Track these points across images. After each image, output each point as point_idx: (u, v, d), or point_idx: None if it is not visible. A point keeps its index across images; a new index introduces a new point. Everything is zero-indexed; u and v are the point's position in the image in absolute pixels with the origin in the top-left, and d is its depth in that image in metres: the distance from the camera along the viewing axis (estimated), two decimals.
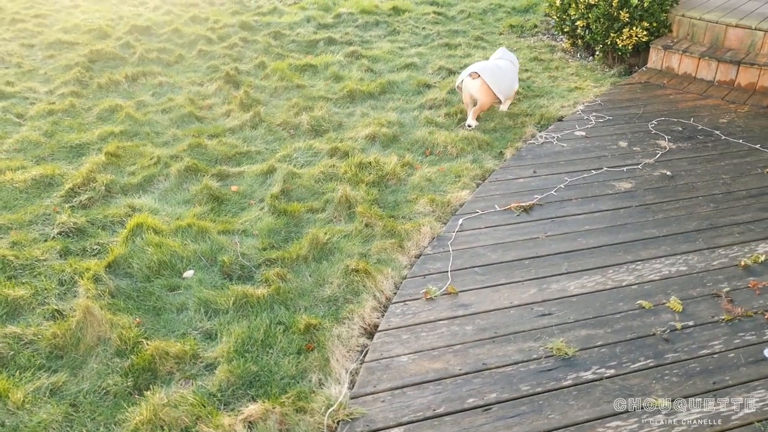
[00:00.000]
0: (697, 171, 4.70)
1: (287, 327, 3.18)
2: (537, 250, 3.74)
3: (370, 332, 3.19)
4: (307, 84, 6.61)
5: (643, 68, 7.06)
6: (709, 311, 3.23)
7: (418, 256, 3.73)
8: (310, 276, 3.57)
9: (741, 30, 6.62)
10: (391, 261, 3.67)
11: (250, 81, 6.63)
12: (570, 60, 7.62)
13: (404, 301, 3.33)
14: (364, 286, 3.45)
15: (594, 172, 4.68)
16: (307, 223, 4.10)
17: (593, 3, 7.21)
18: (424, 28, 8.86)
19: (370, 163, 4.71)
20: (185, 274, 3.61)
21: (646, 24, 6.94)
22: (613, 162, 4.84)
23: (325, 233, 3.88)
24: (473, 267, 3.59)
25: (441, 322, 3.18)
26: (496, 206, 4.21)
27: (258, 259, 3.71)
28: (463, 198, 4.32)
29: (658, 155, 4.93)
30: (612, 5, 6.98)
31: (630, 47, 7.08)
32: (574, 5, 7.54)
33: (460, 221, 4.03)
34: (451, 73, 6.89)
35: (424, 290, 3.39)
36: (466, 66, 7.03)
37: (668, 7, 7.05)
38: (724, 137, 5.27)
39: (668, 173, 4.65)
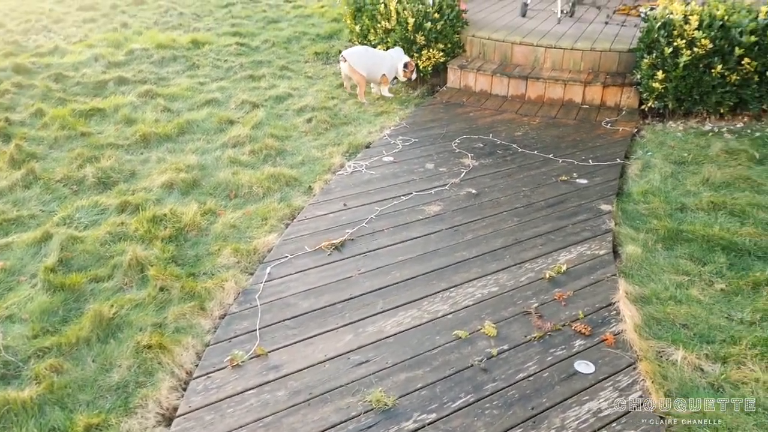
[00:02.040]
0: (499, 186, 4.83)
1: None
2: (351, 290, 3.54)
3: (170, 418, 2.76)
4: (94, 131, 5.93)
5: (444, 88, 7.29)
6: (522, 330, 3.22)
7: (222, 317, 3.36)
8: (93, 361, 3.05)
9: (525, 47, 7.07)
10: (191, 328, 3.26)
11: (24, 132, 5.81)
12: (374, 84, 7.66)
13: (207, 373, 2.94)
14: (159, 363, 3.00)
15: (403, 198, 4.62)
16: (90, 295, 3.54)
17: (390, 28, 7.33)
18: (226, 60, 8.48)
19: (165, 215, 4.25)
20: None
21: (441, 45, 7.17)
22: (421, 185, 4.82)
23: (112, 306, 3.37)
24: (283, 320, 3.29)
25: (249, 392, 2.84)
26: (306, 247, 3.96)
27: (27, 351, 3.11)
28: (271, 242, 4.02)
29: (463, 174, 5.01)
30: (408, 29, 7.13)
31: (430, 68, 7.28)
32: (372, 31, 7.62)
33: (268, 269, 3.72)
34: (255, 106, 6.59)
35: (229, 357, 3.03)
36: (270, 97, 6.79)
37: (459, 29, 7.36)
38: (520, 150, 5.51)
39: (473, 191, 4.73)
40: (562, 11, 8.13)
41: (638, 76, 6.47)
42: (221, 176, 4.93)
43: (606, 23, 8.02)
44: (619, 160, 5.30)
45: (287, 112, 6.49)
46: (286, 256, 3.86)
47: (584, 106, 6.66)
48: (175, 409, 2.78)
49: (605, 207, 4.50)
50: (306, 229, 4.17)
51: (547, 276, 3.65)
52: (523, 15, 8.37)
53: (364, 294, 3.51)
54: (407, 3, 7.14)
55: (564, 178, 4.94)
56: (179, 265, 3.80)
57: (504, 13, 8.58)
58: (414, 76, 7.05)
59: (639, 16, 8.46)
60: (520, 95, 6.86)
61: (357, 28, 7.84)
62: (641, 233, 4.20)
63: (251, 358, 3.03)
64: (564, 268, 3.72)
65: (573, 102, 6.70)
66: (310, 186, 4.85)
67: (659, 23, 6.13)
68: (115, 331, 3.23)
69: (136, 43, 8.91)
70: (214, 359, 3.03)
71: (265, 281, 3.61)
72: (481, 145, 5.63)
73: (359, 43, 8.06)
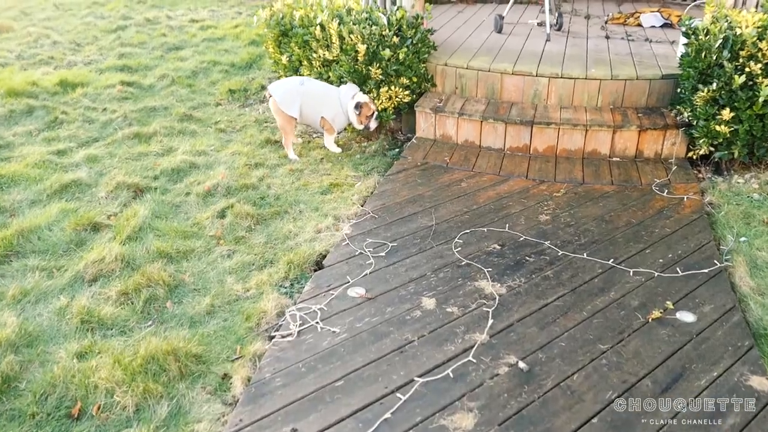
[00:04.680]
0: (559, 344, 2.78)
1: None
2: None
3: None
4: None
5: (413, 140, 5.22)
6: None
7: None
8: None
9: (520, 78, 5.10)
10: None
11: None
12: (315, 136, 5.54)
13: None
14: None
15: (401, 396, 2.49)
16: None
17: (332, 58, 5.21)
18: (105, 109, 6.14)
19: None
20: None
21: (405, 80, 5.11)
22: (425, 358, 2.72)
23: None
24: None
25: None
26: None
27: None
28: None
29: (490, 319, 2.94)
30: (357, 60, 5.04)
31: (391, 110, 5.21)
32: (306, 63, 5.48)
33: None
34: (138, 192, 4.32)
35: None
36: (164, 172, 4.56)
37: (426, 56, 5.31)
38: (561, 252, 3.50)
39: (521, 364, 2.66)
40: (551, 25, 6.23)
41: (686, 115, 4.61)
42: (59, 365, 2.67)
43: (607, 37, 6.20)
44: (717, 264, 3.37)
45: (187, 200, 4.25)
46: None
47: (614, 159, 4.75)
48: None
49: (757, 382, 2.53)
50: None
51: None
52: (499, 31, 6.45)
53: None
54: (353, 24, 5.04)
55: (657, 314, 2.96)
56: None
57: (471, 28, 6.63)
58: (374, 124, 4.99)
59: (639, 25, 6.73)
60: (523, 147, 4.88)
61: (284, 58, 5.69)
62: None
63: None
64: None
65: (598, 154, 4.77)
66: (225, 376, 2.66)
67: (719, 40, 4.27)
68: None
69: None
70: None
71: None
72: (497, 246, 3.58)
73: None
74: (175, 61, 7.80)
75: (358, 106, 4.87)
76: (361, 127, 5.02)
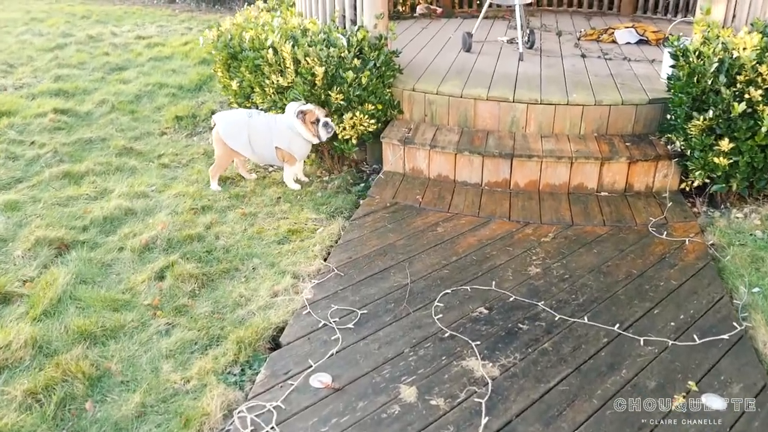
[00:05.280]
0: None
1: None
2: None
3: None
4: None
5: (380, 174, 4.70)
6: None
7: None
8: None
9: (495, 104, 4.64)
10: None
11: None
12: (271, 170, 4.98)
13: None
14: None
15: None
16: None
17: (287, 85, 4.66)
18: (33, 142, 5.45)
19: None
20: None
21: (370, 107, 4.59)
22: None
23: None
24: None
25: None
26: None
27: None
28: None
29: (485, 417, 2.42)
30: (315, 84, 4.51)
31: (355, 140, 4.69)
32: (259, 89, 4.91)
33: None
34: (62, 248, 3.69)
35: None
36: (94, 222, 3.94)
37: (391, 80, 4.80)
38: (558, 317, 3.02)
39: None
40: (523, 43, 5.81)
41: (678, 144, 4.22)
42: None
43: (583, 56, 5.81)
44: (736, 326, 2.94)
45: (120, 257, 3.64)
46: None
47: (602, 194, 4.32)
48: None
49: None
50: None
51: None
52: (468, 50, 6.00)
53: None
54: (309, 46, 4.51)
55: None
56: None
57: (437, 47, 6.17)
58: (324, 133, 4.40)
59: (613, 42, 6.37)
60: (503, 182, 4.41)
61: (234, 84, 5.11)
62: None
63: None
64: None
65: (585, 189, 4.34)
66: None
67: (714, 64, 3.88)
68: None
69: None
70: None
71: None
72: (484, 310, 3.08)
73: (237, 106, 5.32)
74: (116, 84, 7.14)
75: (301, 114, 4.34)
76: (315, 138, 4.44)
